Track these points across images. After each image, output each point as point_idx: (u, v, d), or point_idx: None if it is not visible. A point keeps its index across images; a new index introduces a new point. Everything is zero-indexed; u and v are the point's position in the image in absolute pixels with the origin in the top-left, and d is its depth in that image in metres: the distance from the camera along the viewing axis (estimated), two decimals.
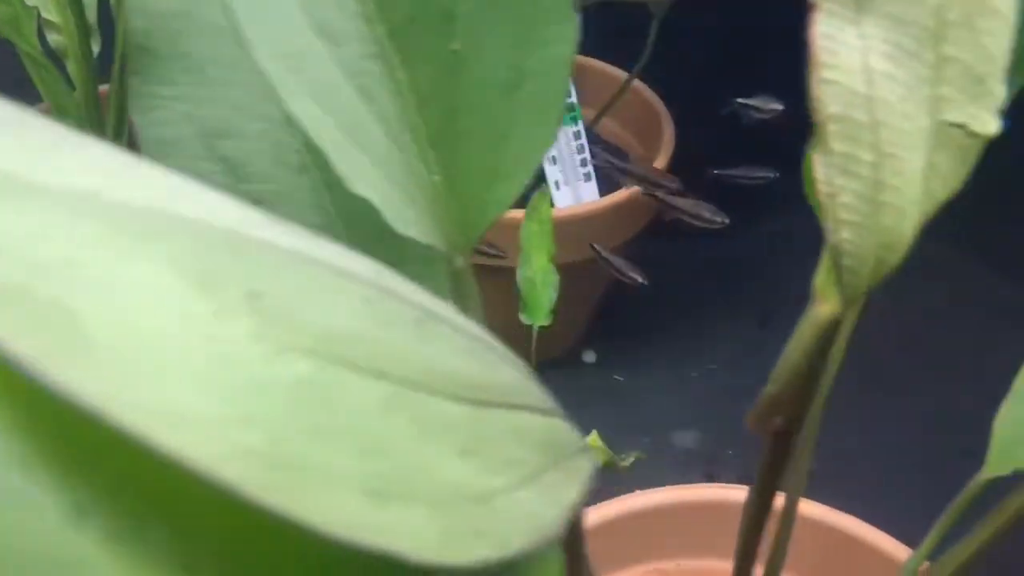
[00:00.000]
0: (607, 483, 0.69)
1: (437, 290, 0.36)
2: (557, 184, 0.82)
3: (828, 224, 0.23)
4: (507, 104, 0.27)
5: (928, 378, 0.97)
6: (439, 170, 0.29)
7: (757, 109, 0.88)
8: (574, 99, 0.81)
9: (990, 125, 0.23)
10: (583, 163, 0.83)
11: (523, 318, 0.66)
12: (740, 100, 0.87)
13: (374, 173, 0.26)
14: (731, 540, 0.42)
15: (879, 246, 0.24)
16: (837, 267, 0.24)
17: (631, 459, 0.77)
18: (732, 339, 1.00)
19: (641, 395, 0.94)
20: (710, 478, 0.88)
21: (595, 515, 0.47)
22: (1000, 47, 0.22)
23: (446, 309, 0.18)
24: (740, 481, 0.92)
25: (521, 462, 0.16)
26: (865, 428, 0.93)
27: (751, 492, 0.36)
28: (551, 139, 0.27)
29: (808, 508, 0.48)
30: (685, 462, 0.89)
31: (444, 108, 0.28)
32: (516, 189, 0.29)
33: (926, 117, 0.23)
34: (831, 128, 0.22)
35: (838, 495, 0.85)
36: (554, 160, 0.81)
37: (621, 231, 0.86)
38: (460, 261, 0.31)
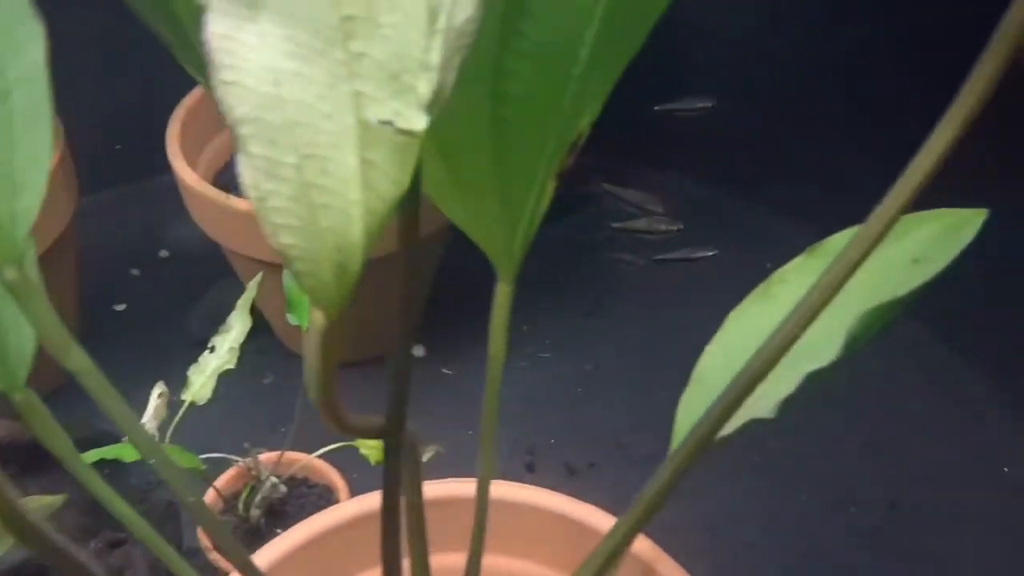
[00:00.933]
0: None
1: None
2: None
3: (266, 229, 0.23)
4: (5, 112, 0.26)
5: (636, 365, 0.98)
6: None
7: None
8: None
9: (416, 121, 0.23)
10: None
11: (290, 319, 0.66)
12: None
13: None
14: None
15: (331, 249, 0.23)
16: (294, 274, 0.24)
17: (430, 454, 0.76)
18: (560, 328, 1.00)
19: (470, 387, 0.94)
20: (530, 468, 0.88)
21: (271, 551, 0.46)
22: (410, 43, 0.22)
23: None
24: (564, 469, 0.92)
25: None
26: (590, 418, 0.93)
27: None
28: (50, 146, 0.27)
29: (512, 492, 0.48)
30: (507, 453, 0.89)
31: None
32: (37, 198, 0.28)
33: (350, 115, 0.22)
34: (245, 131, 0.22)
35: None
36: None
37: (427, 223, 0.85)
38: (12, 273, 0.30)
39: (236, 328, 0.74)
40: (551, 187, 0.35)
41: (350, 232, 0.23)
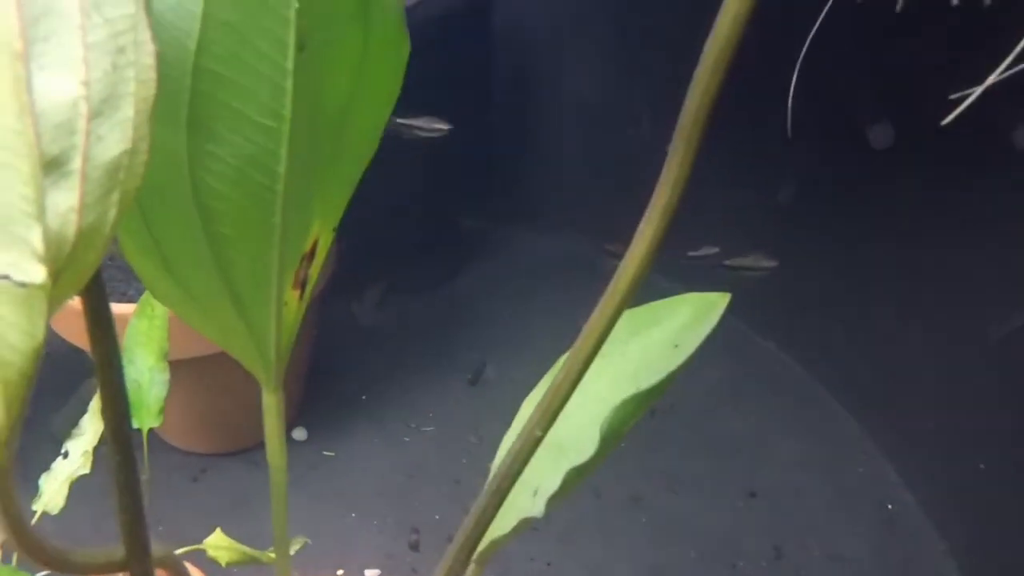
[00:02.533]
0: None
1: None
2: None
3: None
4: None
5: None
6: None
7: (420, 128, 0.91)
8: None
9: (34, 274, 0.22)
10: None
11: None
12: (400, 120, 0.90)
13: None
14: None
15: None
16: None
17: (297, 546, 0.75)
18: (443, 399, 0.99)
19: (352, 468, 0.93)
20: (414, 547, 0.86)
21: None
22: (15, 194, 0.22)
23: None
24: (447, 542, 0.91)
25: None
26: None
27: None
28: None
29: None
30: (391, 531, 0.87)
31: None
32: None
33: None
34: None
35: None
36: None
37: None
38: None
39: (90, 431, 0.72)
40: (295, 297, 0.34)
41: None
